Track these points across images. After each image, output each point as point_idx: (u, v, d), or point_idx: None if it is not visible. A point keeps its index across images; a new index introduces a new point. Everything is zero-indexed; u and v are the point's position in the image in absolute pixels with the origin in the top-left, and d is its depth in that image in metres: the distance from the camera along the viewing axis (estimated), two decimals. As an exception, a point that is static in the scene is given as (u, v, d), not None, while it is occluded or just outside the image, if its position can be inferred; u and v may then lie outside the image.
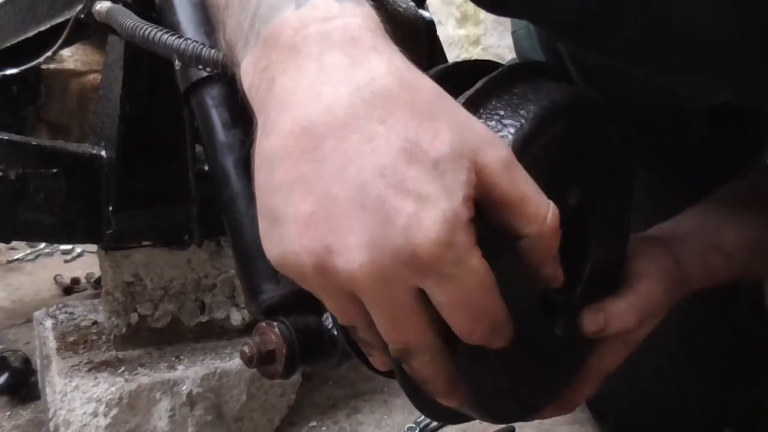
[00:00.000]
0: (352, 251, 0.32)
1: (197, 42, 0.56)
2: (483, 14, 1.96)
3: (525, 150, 0.39)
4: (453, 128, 0.33)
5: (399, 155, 0.32)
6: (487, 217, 0.35)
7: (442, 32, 0.81)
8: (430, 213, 0.31)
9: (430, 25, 0.71)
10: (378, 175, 0.32)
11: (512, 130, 0.39)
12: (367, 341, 0.38)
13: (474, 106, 0.40)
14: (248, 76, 0.37)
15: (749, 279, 0.62)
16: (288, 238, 0.33)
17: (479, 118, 0.40)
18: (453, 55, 1.95)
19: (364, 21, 0.36)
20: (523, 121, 0.40)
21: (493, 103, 0.41)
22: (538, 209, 0.35)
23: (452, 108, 0.35)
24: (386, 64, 0.34)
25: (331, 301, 0.36)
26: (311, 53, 0.35)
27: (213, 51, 0.55)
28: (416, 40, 0.69)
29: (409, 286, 0.33)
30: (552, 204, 0.36)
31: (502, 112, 0.40)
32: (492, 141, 0.35)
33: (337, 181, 0.32)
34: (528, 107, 0.40)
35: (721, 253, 0.56)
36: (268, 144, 0.34)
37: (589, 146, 0.46)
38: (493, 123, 0.40)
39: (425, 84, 0.35)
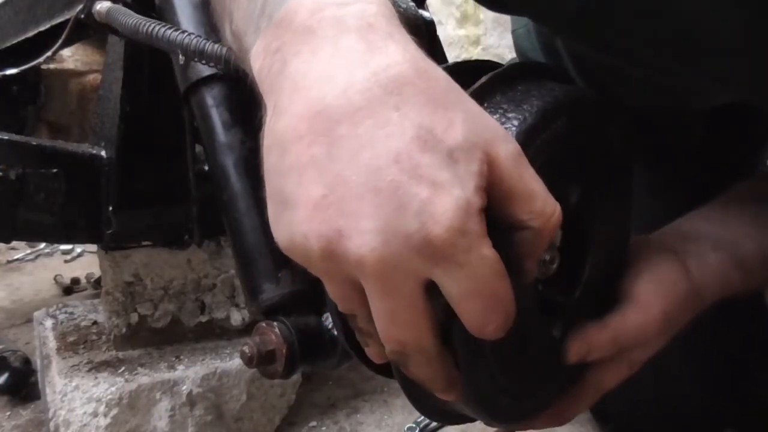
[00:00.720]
0: (364, 235, 0.32)
1: (201, 37, 0.56)
2: (483, 14, 1.96)
3: (527, 144, 0.39)
4: (467, 119, 0.33)
5: (413, 142, 0.32)
6: (488, 207, 0.35)
7: (442, 32, 0.81)
8: (444, 199, 0.31)
9: (430, 25, 0.71)
10: (392, 160, 0.32)
11: (516, 123, 0.39)
12: (365, 330, 0.38)
13: (479, 99, 0.40)
14: (259, 59, 0.37)
15: (762, 290, 0.61)
16: (297, 221, 0.33)
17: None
18: (453, 55, 1.95)
19: (380, 8, 0.36)
20: (526, 115, 0.40)
21: (498, 97, 0.41)
22: (545, 205, 0.35)
23: (465, 100, 0.35)
24: (402, 51, 0.34)
25: (334, 286, 0.35)
26: (327, 35, 0.34)
27: (216, 46, 0.55)
28: (416, 40, 0.69)
29: (417, 275, 0.33)
30: (558, 205, 0.36)
31: (505, 106, 0.40)
32: (503, 135, 0.35)
33: (351, 165, 0.32)
34: (532, 102, 0.41)
35: (740, 268, 0.54)
36: (279, 125, 0.34)
37: (589, 145, 0.46)
38: (497, 116, 0.40)
39: (439, 74, 0.35)
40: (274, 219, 0.35)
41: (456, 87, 0.35)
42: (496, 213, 0.35)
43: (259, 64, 0.37)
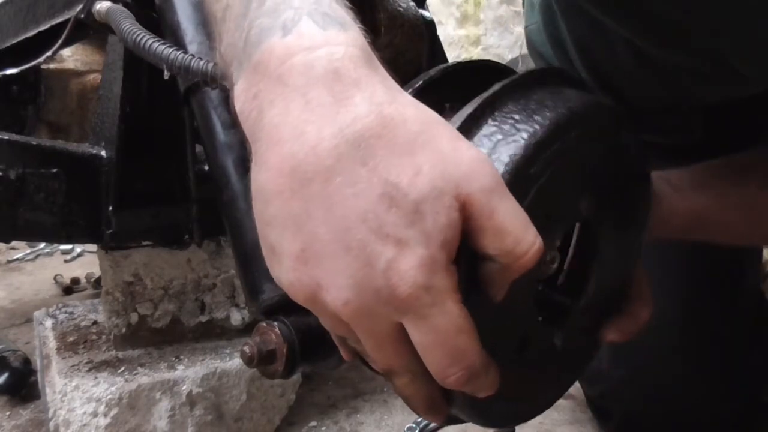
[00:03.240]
0: (339, 289, 0.34)
1: (186, 53, 0.56)
2: (483, 14, 1.96)
3: (537, 155, 0.39)
4: (435, 163, 0.34)
5: (380, 200, 0.33)
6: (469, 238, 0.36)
7: (442, 32, 0.82)
8: (408, 258, 0.33)
9: (430, 25, 0.71)
10: (360, 220, 0.33)
11: (525, 136, 0.39)
12: (360, 350, 0.40)
13: (490, 108, 0.40)
14: (239, 102, 0.38)
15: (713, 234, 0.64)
16: (284, 268, 0.35)
17: (494, 120, 0.40)
18: (453, 55, 1.95)
19: (348, 50, 0.36)
20: (537, 126, 0.39)
21: (510, 106, 0.41)
22: (516, 243, 0.35)
23: (436, 138, 0.35)
24: (368, 102, 0.34)
25: (324, 320, 0.38)
26: (296, 86, 0.35)
27: (202, 62, 0.54)
28: (416, 40, 0.70)
29: (390, 321, 0.35)
30: (538, 242, 0.35)
31: (517, 117, 0.40)
32: (478, 170, 0.35)
33: (323, 223, 0.34)
34: (544, 113, 0.40)
35: (668, 184, 0.58)
36: (261, 177, 0.36)
37: (604, 156, 0.45)
38: (507, 126, 0.39)
39: (408, 115, 0.35)
40: (266, 256, 0.37)
41: (427, 124, 0.35)
42: (472, 242, 0.36)
43: (239, 105, 0.38)
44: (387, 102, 0.35)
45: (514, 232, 0.35)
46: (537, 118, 0.40)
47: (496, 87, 0.41)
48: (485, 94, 0.40)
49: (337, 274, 0.34)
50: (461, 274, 0.35)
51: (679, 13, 0.53)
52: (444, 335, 0.35)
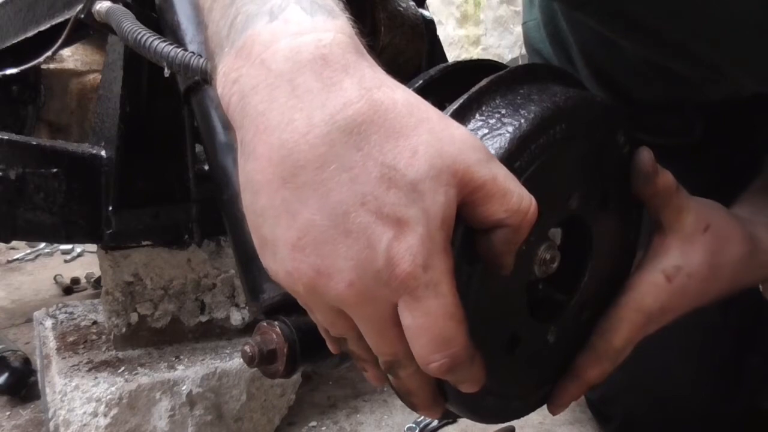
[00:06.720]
0: (340, 273, 0.34)
1: (186, 51, 0.56)
2: (483, 14, 1.96)
3: (521, 149, 0.39)
4: (430, 142, 0.34)
5: (378, 182, 0.33)
6: (468, 214, 0.36)
7: (442, 32, 0.82)
8: (408, 237, 0.33)
9: (430, 25, 0.71)
10: (359, 203, 0.33)
11: (510, 129, 0.39)
12: (359, 355, 0.40)
13: (477, 103, 0.40)
14: (220, 86, 0.37)
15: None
16: (279, 258, 0.35)
17: (481, 115, 0.40)
18: (453, 55, 1.95)
19: (336, 36, 0.36)
20: (522, 120, 0.40)
21: (497, 101, 0.41)
22: (521, 200, 0.36)
23: (428, 119, 0.35)
24: (357, 87, 0.34)
25: (321, 315, 0.37)
26: (282, 72, 0.35)
27: (201, 60, 0.54)
28: (416, 40, 0.70)
29: (391, 302, 0.35)
30: (533, 199, 0.37)
31: (503, 111, 0.40)
32: (471, 143, 0.36)
33: (320, 210, 0.33)
34: (530, 108, 0.40)
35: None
36: (248, 167, 0.35)
37: (594, 152, 0.45)
38: (493, 121, 0.40)
39: (398, 98, 0.35)
40: (259, 250, 0.37)
41: (417, 107, 0.35)
42: (475, 216, 0.36)
43: (220, 90, 0.37)
44: (376, 86, 0.35)
45: (515, 190, 0.36)
46: (522, 112, 0.40)
47: (483, 82, 0.41)
48: (472, 90, 0.40)
49: (337, 259, 0.33)
50: (455, 264, 0.35)
51: (679, 32, 0.53)
52: (433, 319, 0.35)
